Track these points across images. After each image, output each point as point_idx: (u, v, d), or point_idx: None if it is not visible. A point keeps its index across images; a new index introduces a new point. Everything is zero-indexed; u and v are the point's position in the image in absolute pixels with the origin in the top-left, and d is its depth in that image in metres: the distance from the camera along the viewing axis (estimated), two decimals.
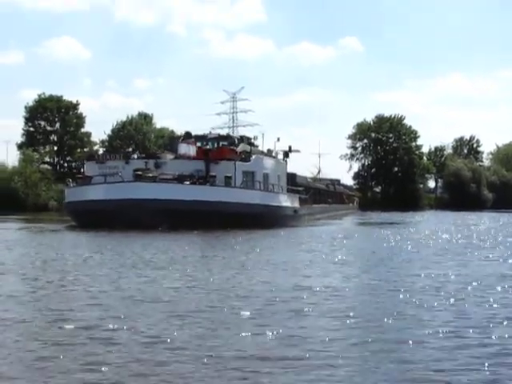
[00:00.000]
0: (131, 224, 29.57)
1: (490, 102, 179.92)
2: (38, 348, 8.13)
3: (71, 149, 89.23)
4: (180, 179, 35.28)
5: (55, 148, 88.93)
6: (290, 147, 47.56)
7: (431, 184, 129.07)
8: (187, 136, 42.04)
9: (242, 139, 42.97)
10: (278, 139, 47.25)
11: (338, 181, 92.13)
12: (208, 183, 35.56)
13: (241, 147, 41.41)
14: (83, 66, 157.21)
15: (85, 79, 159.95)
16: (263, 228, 33.41)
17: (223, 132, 64.28)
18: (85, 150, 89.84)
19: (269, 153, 44.06)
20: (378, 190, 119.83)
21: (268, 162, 42.18)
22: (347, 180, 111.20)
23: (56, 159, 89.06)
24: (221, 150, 39.38)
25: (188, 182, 35.32)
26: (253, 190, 38.51)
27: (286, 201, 42.82)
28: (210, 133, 42.51)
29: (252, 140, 44.80)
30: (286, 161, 46.64)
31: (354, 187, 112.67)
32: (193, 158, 38.69)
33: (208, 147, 39.68)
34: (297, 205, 45.24)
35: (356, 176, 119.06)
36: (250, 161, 39.94)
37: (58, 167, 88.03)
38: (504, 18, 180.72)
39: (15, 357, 7.75)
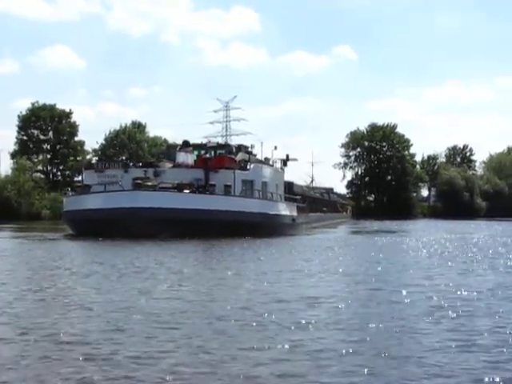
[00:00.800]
0: (131, 233, 29.46)
1: (482, 111, 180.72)
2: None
3: (64, 157, 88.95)
4: (179, 188, 35.16)
5: (48, 157, 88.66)
6: (287, 156, 47.57)
7: (424, 193, 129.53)
8: (185, 145, 41.98)
9: (240, 148, 42.88)
10: (276, 148, 47.25)
11: (332, 189, 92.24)
12: (208, 192, 35.49)
13: (240, 156, 41.43)
14: (78, 76, 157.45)
15: (80, 88, 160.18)
16: (262, 236, 33.27)
17: (217, 140, 64.40)
18: (77, 158, 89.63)
19: (266, 161, 43.96)
20: (371, 198, 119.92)
21: (266, 171, 42.18)
22: (340, 189, 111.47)
23: (49, 168, 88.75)
24: (220, 158, 39.28)
25: (188, 191, 35.23)
26: (252, 198, 38.51)
27: (285, 209, 42.84)
28: (210, 141, 42.48)
29: (249, 149, 44.72)
30: (283, 169, 46.59)
31: (348, 196, 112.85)
32: (192, 167, 38.64)
33: (208, 156, 39.53)
34: (295, 213, 45.24)
35: (349, 185, 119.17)
36: (248, 169, 39.90)
37: (51, 176, 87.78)
38: (497, 25, 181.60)
39: None
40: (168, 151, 45.64)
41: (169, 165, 39.23)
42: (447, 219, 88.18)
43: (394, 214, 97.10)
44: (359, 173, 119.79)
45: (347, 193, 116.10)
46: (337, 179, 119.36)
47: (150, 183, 35.24)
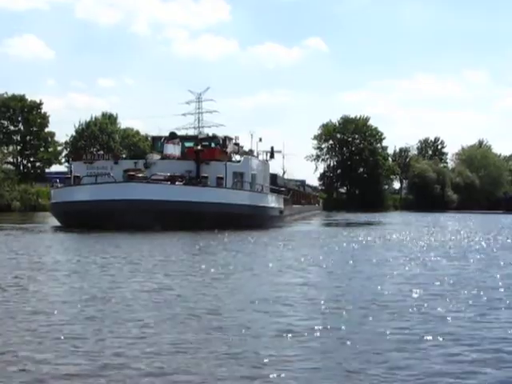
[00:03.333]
0: (124, 225, 29.17)
1: (454, 104, 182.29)
2: None
3: (35, 149, 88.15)
4: (172, 180, 35.02)
5: (18, 148, 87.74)
6: (272, 148, 47.42)
7: (396, 185, 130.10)
8: (172, 136, 41.78)
9: (226, 140, 42.53)
10: (260, 139, 46.85)
11: (304, 181, 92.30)
12: (200, 184, 35.33)
13: (230, 148, 41.23)
14: (47, 66, 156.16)
15: (49, 79, 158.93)
16: (251, 228, 33.09)
17: (189, 133, 64.04)
18: (48, 150, 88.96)
19: (250, 153, 43.62)
20: (343, 190, 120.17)
21: (255, 163, 42.07)
22: (312, 181, 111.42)
23: (19, 159, 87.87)
24: (212, 150, 39.09)
25: (180, 183, 35.04)
26: (243, 190, 38.36)
27: (273, 202, 43.02)
28: (201, 133, 42.12)
29: (235, 141, 44.32)
30: (268, 161, 46.47)
31: (320, 188, 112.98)
32: (181, 159, 38.59)
33: (199, 148, 39.28)
34: (282, 205, 45.45)
35: (322, 177, 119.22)
36: (239, 161, 39.91)
37: (21, 167, 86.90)
38: (468, 18, 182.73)
39: None
40: (153, 143, 45.39)
41: (157, 156, 38.95)
42: (418, 211, 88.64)
43: (366, 206, 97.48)
44: (331, 165, 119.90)
45: (319, 185, 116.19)
46: (308, 171, 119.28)
47: (140, 175, 35.00)
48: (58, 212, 37.71)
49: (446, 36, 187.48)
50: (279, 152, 49.56)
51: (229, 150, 40.91)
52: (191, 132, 68.50)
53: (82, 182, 36.18)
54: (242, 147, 43.68)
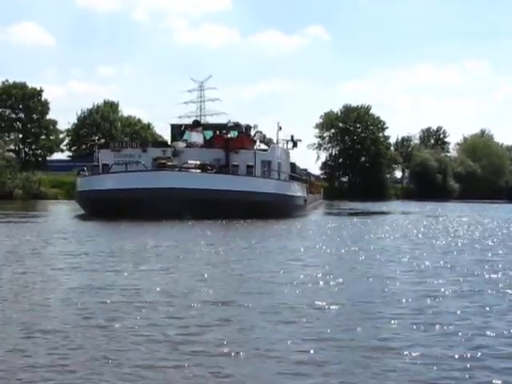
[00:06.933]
0: (156, 214, 29.09)
1: (457, 93, 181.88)
2: None
3: (36, 136, 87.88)
4: (203, 168, 34.83)
5: (20, 136, 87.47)
6: (292, 136, 46.69)
7: (398, 174, 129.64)
8: (196, 124, 41.54)
9: (248, 128, 41.98)
10: (280, 128, 46.25)
11: (306, 170, 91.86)
12: (231, 172, 35.15)
13: (258, 136, 40.98)
14: (47, 53, 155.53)
15: (49, 66, 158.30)
16: (279, 218, 32.87)
17: (191, 121, 63.57)
18: (50, 138, 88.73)
19: (270, 142, 43.10)
20: (344, 179, 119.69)
21: (279, 152, 41.83)
22: (313, 170, 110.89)
23: (21, 147, 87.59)
24: (241, 139, 38.74)
25: (211, 172, 34.85)
26: (272, 179, 38.23)
27: (299, 190, 42.91)
28: (230, 121, 41.65)
29: (254, 129, 43.77)
30: (289, 150, 46.12)
31: (321, 177, 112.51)
32: (206, 147, 38.48)
33: (229, 136, 38.97)
34: (305, 194, 45.37)
35: (323, 166, 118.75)
36: (267, 150, 39.69)
37: (22, 155, 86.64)
38: (471, 7, 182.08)
39: None
40: (172, 131, 45.00)
41: (183, 144, 38.59)
42: (420, 201, 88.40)
43: (367, 195, 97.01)
44: (333, 154, 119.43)
45: (321, 174, 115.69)
46: (310, 160, 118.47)
47: (170, 163, 34.75)
48: (86, 200, 37.15)
49: (447, 25, 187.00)
50: (300, 141, 48.69)
51: (256, 138, 40.61)
52: (191, 120, 67.91)
53: (112, 171, 35.79)
54: (265, 136, 43.12)
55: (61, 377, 6.46)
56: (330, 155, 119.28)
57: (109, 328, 8.36)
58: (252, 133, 41.17)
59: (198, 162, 35.12)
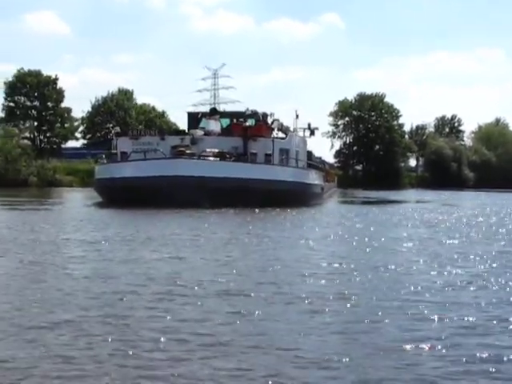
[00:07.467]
0: (174, 202, 29.06)
1: (472, 81, 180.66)
2: None
3: (51, 124, 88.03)
4: (221, 156, 34.82)
5: (35, 123, 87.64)
6: (309, 124, 46.55)
7: (412, 163, 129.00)
8: (213, 112, 41.52)
9: (265, 116, 41.82)
10: (297, 116, 46.11)
11: (320, 158, 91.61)
12: (249, 161, 35.13)
13: (275, 124, 40.81)
14: (63, 41, 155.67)
15: (65, 54, 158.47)
16: (296, 206, 32.85)
17: (205, 109, 63.54)
18: (65, 125, 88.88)
19: (287, 130, 42.97)
20: (359, 168, 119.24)
21: (297, 140, 41.56)
22: (327, 158, 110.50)
23: (36, 135, 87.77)
24: (259, 126, 38.68)
25: (230, 160, 34.83)
26: (290, 167, 38.25)
27: (316, 179, 42.90)
28: (248, 109, 41.51)
29: (273, 117, 43.61)
30: (306, 138, 46.03)
31: (335, 165, 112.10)
32: (224, 135, 38.50)
33: (248, 124, 38.87)
34: (323, 182, 45.29)
35: (337, 154, 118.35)
36: (285, 138, 39.56)
37: (37, 143, 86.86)
38: None
39: None
40: (189, 119, 44.92)
41: (200, 132, 38.47)
42: (435, 189, 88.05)
43: (382, 184, 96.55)
44: (347, 142, 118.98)
45: (335, 162, 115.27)
46: (324, 148, 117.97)
47: (189, 151, 34.66)
48: (104, 188, 37.17)
49: (463, 12, 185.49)
50: (316, 129, 48.44)
51: (274, 126, 40.43)
52: (206, 108, 67.87)
53: (130, 159, 35.80)
54: (282, 124, 42.99)
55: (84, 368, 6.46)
56: (344, 143, 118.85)
57: (127, 318, 8.34)
58: (269, 121, 41.00)
59: (217, 150, 35.05)
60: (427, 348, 7.09)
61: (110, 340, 7.22)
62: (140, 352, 6.83)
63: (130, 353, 6.80)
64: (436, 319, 8.38)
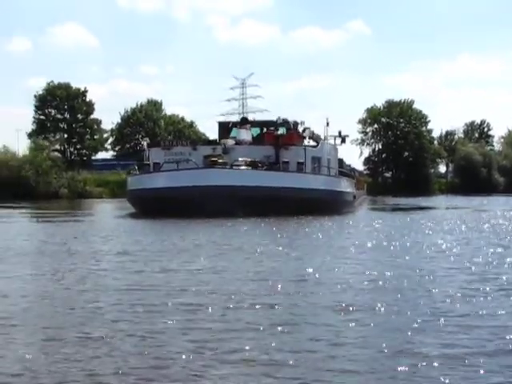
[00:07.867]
0: (206, 212, 29.20)
1: (501, 85, 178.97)
2: None
3: (81, 136, 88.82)
4: (254, 165, 34.90)
5: (65, 136, 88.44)
6: (340, 132, 46.36)
7: (442, 169, 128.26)
8: (244, 121, 41.60)
9: (295, 124, 41.74)
10: (328, 124, 45.95)
11: (349, 165, 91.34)
12: (282, 169, 35.22)
13: (307, 132, 40.81)
14: (90, 53, 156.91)
15: (92, 66, 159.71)
16: (329, 214, 32.78)
17: (234, 118, 63.60)
18: (95, 137, 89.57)
19: (318, 138, 42.86)
20: (388, 175, 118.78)
21: (328, 148, 41.57)
22: (356, 165, 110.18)
23: (66, 147, 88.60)
24: (291, 135, 38.67)
25: (262, 169, 34.90)
26: (322, 175, 38.29)
27: (348, 187, 42.91)
28: (279, 118, 41.48)
29: (301, 125, 43.42)
30: (337, 146, 45.86)
31: (365, 173, 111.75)
32: (255, 144, 38.54)
33: (279, 133, 38.89)
34: (354, 190, 45.16)
35: (366, 161, 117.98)
36: (317, 146, 39.51)
37: (68, 155, 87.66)
38: None
39: None
40: (220, 128, 44.93)
41: (232, 142, 38.58)
42: (465, 195, 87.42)
43: (412, 190, 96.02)
44: (376, 149, 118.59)
45: (364, 169, 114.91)
46: (353, 156, 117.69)
47: (221, 160, 34.75)
48: (137, 199, 37.39)
49: (491, 15, 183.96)
50: (347, 136, 48.15)
51: (306, 134, 40.36)
52: (235, 118, 67.99)
53: (163, 169, 35.92)
54: (313, 132, 42.84)
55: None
56: (374, 150, 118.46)
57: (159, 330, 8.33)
58: (300, 129, 40.93)
59: (249, 159, 35.08)
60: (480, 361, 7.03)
61: (143, 354, 7.21)
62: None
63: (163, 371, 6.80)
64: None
